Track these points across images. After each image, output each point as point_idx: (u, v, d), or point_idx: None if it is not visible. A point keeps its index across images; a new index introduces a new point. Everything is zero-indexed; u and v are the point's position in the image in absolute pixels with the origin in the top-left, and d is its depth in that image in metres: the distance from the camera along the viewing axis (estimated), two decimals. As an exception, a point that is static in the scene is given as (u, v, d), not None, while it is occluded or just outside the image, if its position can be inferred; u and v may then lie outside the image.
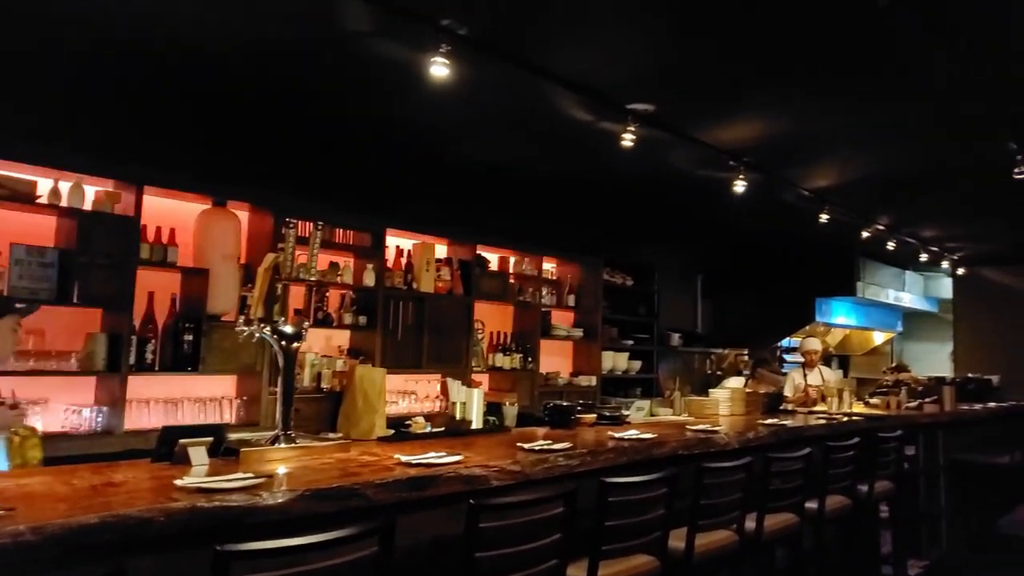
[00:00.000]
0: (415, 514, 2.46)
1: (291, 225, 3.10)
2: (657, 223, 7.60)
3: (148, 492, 2.11)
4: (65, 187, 4.05)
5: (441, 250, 6.11)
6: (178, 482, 2.12)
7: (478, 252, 6.26)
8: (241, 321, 2.97)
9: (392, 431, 3.49)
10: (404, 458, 2.67)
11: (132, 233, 4.25)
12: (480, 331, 6.32)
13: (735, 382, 6.19)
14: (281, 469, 2.49)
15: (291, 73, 3.83)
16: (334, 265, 5.25)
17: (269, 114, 4.40)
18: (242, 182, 4.75)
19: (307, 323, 3.02)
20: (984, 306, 9.48)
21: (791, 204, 6.16)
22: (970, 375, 8.81)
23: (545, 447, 3.04)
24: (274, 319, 2.95)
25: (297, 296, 4.87)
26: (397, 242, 5.77)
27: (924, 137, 4.71)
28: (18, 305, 2.96)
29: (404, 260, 5.75)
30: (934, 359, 10.49)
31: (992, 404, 7.70)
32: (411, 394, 5.54)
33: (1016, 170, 4.82)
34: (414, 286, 5.70)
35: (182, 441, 2.49)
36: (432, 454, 2.74)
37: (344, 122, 4.54)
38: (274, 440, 2.81)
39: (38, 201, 3.98)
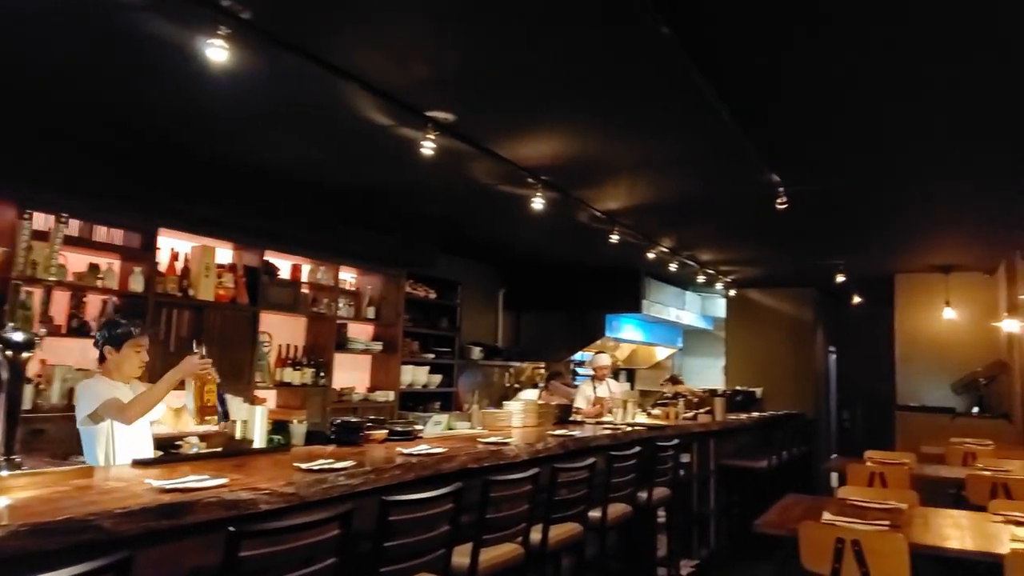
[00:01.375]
0: (171, 545, 2.19)
1: (27, 216, 2.66)
2: (460, 237, 7.61)
3: None
4: None
5: (225, 255, 5.63)
6: None
7: (267, 258, 5.85)
8: (-46, 326, 2.50)
9: (161, 453, 3.15)
10: (158, 483, 2.37)
11: None
12: (267, 344, 5.92)
13: (529, 394, 6.30)
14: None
15: (39, 46, 3.32)
16: (94, 267, 4.63)
17: (11, 91, 3.80)
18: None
19: (43, 330, 2.60)
20: (750, 325, 10.53)
21: (584, 224, 6.41)
22: (738, 388, 9.72)
23: (326, 466, 2.85)
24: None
25: (59, 301, 4.25)
26: (172, 244, 5.23)
27: (699, 167, 5.05)
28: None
29: (180, 264, 5.23)
30: (710, 373, 11.48)
31: (755, 414, 8.53)
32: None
33: (777, 200, 5.32)
34: (191, 293, 5.19)
35: None
36: (193, 477, 2.45)
37: (105, 106, 4.03)
38: (-8, 467, 2.38)
39: None
